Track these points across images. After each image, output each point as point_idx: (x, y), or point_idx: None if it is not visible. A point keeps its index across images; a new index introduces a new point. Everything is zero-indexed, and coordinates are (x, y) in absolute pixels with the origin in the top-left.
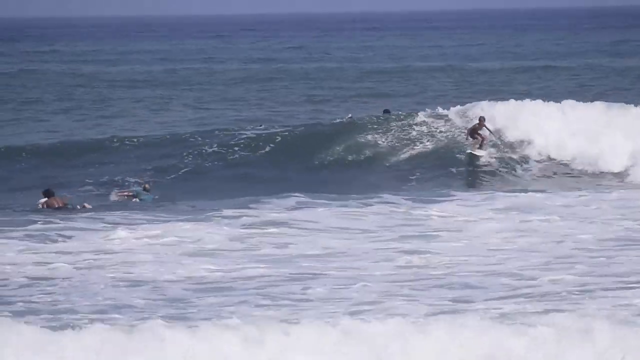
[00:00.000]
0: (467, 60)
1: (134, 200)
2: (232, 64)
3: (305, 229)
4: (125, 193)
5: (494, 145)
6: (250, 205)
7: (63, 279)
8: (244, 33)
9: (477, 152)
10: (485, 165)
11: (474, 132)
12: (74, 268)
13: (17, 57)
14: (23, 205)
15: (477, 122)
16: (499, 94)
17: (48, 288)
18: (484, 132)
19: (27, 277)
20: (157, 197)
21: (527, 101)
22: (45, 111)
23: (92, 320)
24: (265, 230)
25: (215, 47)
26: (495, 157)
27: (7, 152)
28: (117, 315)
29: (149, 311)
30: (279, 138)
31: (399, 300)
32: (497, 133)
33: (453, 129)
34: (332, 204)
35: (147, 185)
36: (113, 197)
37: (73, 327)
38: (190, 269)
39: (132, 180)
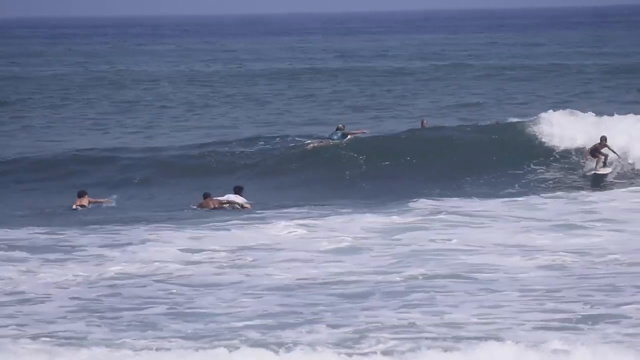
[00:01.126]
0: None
1: (329, 143)
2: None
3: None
4: (317, 142)
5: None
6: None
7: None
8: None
9: (602, 171)
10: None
11: (594, 151)
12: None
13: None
14: (182, 205)
15: (599, 141)
16: None
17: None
18: (605, 151)
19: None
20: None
21: None
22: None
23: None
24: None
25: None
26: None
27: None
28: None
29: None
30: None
31: None
32: (619, 152)
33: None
34: None
35: (340, 125)
36: (311, 145)
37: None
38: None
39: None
